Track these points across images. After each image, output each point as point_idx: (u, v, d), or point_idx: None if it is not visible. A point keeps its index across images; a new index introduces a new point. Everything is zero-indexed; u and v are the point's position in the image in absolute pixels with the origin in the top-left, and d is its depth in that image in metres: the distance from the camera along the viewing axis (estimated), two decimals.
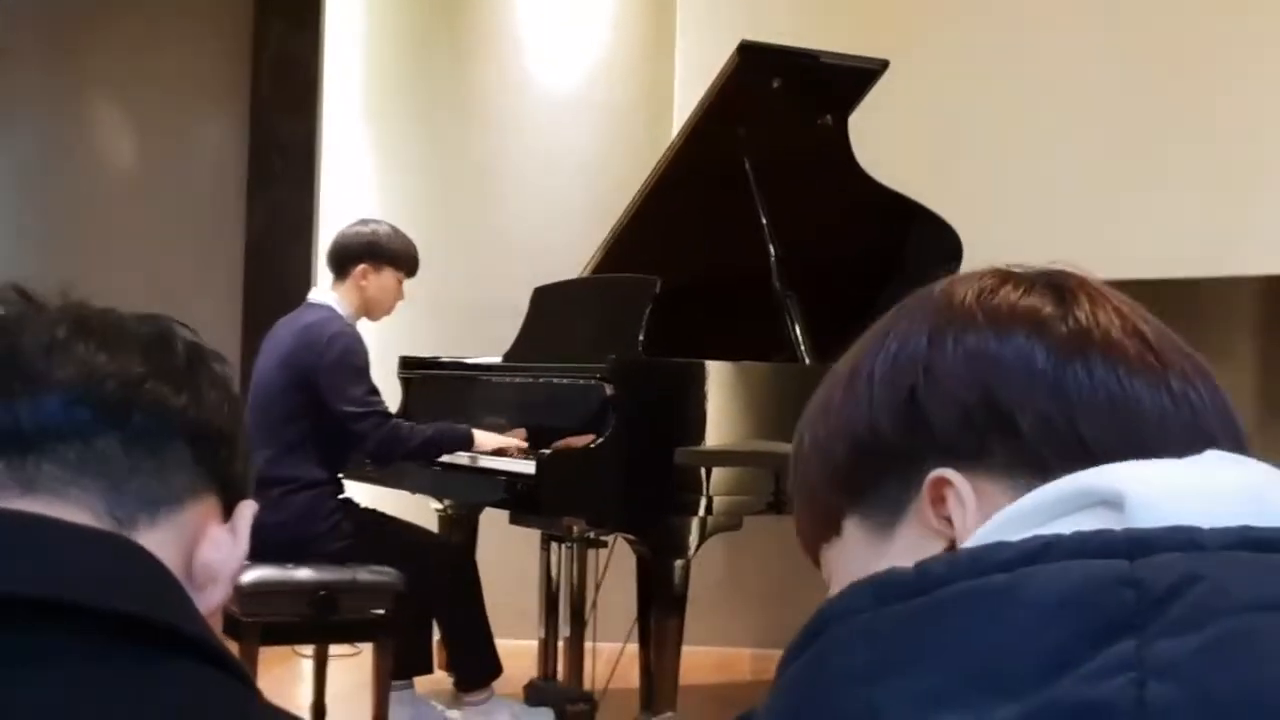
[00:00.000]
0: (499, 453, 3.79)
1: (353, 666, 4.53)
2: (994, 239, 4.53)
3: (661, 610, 3.43)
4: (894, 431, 0.72)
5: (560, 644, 4.12)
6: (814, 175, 3.94)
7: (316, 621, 3.61)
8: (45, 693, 0.70)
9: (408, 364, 4.46)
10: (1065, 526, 0.58)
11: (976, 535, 0.63)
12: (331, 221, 4.24)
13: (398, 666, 3.76)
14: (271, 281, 5.37)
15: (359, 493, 4.03)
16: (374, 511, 3.93)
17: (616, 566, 3.83)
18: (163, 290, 5.00)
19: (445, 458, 3.86)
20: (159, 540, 0.82)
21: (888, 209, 4.04)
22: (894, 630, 0.56)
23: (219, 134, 5.76)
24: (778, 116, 3.88)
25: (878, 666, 0.55)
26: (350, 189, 5.54)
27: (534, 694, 4.12)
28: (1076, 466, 0.64)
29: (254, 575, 3.47)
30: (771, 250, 3.76)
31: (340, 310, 3.88)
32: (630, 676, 3.66)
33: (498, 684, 3.97)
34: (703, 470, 3.38)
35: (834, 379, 0.79)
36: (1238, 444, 0.70)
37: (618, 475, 3.41)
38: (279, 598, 3.55)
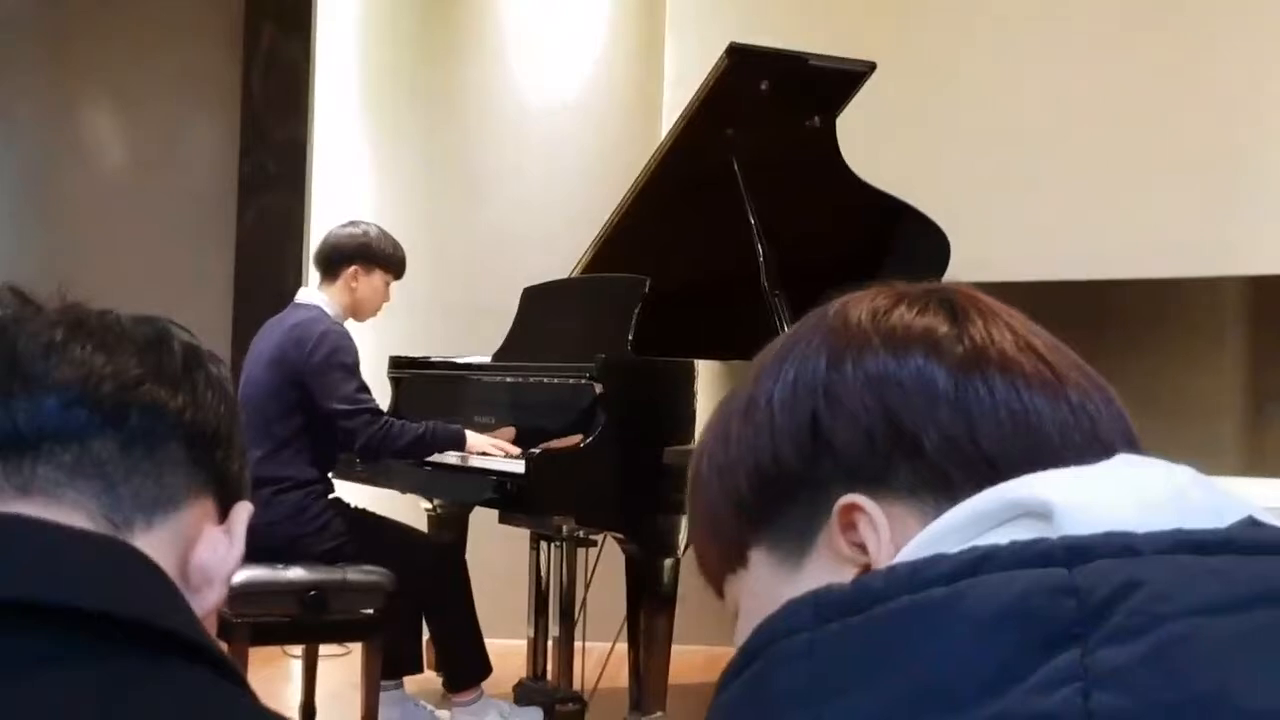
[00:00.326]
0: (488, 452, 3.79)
1: (342, 666, 4.53)
2: (981, 239, 4.55)
3: (651, 609, 3.43)
4: (797, 458, 0.71)
5: (550, 643, 4.13)
6: (802, 176, 3.96)
7: (306, 621, 3.61)
8: (41, 696, 0.70)
9: (398, 364, 4.46)
10: (994, 540, 0.58)
11: (906, 551, 0.62)
12: (323, 223, 4.25)
13: (387, 666, 3.76)
14: (263, 283, 5.37)
15: (349, 492, 4.04)
16: (364, 511, 3.94)
17: (606, 566, 3.85)
18: (154, 291, 4.98)
19: (435, 457, 3.87)
20: (155, 543, 0.82)
21: (875, 209, 4.06)
22: (835, 649, 0.55)
23: (211, 136, 5.76)
24: (766, 118, 3.89)
25: (820, 687, 0.55)
26: (342, 191, 5.54)
27: (523, 694, 4.13)
28: (983, 484, 0.63)
29: (244, 575, 3.46)
30: (760, 250, 3.77)
31: (329, 310, 3.88)
32: (620, 676, 3.67)
33: (487, 684, 3.97)
34: None
35: (729, 408, 0.77)
36: (1136, 452, 0.70)
37: (607, 474, 3.42)
38: (269, 598, 3.55)
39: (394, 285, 4.04)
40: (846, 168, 4.01)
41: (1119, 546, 0.55)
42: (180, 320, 0.91)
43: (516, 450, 3.77)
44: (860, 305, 0.75)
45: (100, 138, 5.79)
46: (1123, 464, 0.63)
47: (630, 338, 3.68)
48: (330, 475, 3.91)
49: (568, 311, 4.10)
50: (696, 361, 3.50)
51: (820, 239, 3.96)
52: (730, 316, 3.80)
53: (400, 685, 4.01)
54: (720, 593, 0.79)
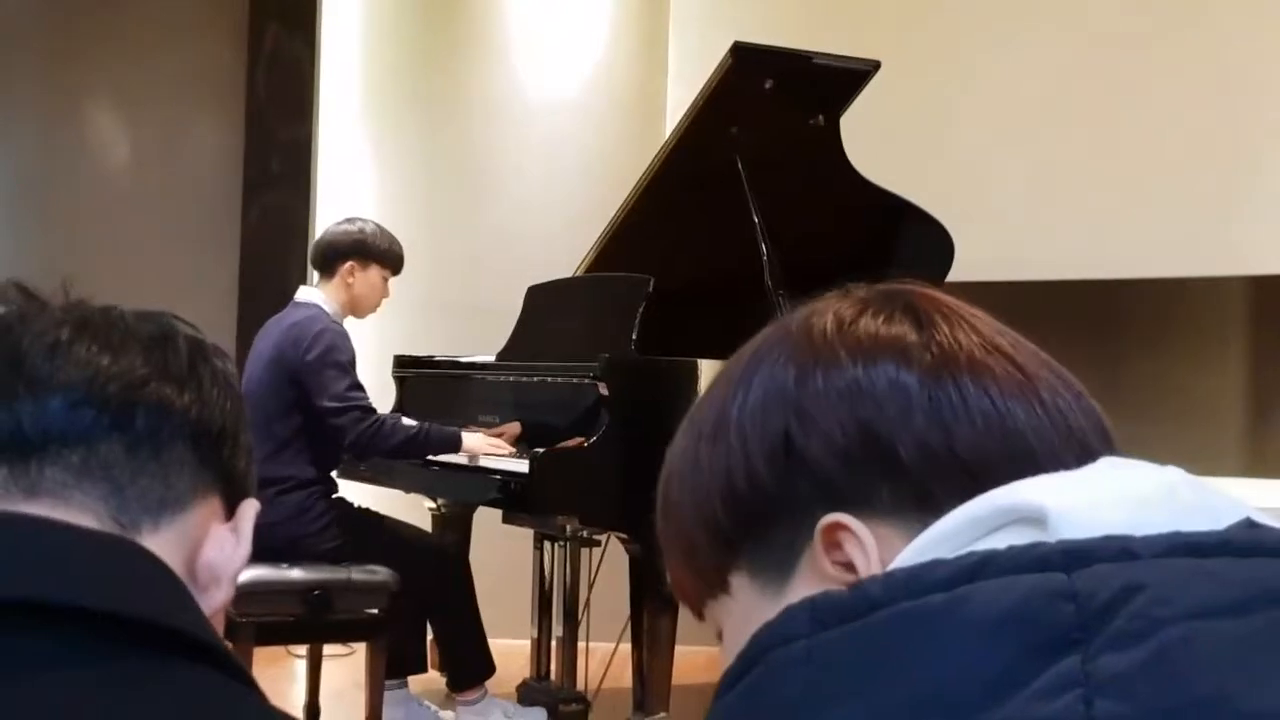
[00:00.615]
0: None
1: (346, 666, 4.54)
2: (985, 237, 4.55)
3: (654, 610, 3.43)
4: (772, 478, 0.70)
5: (553, 643, 4.13)
6: (806, 175, 3.96)
7: (310, 621, 3.61)
8: (44, 696, 0.69)
9: (402, 363, 4.47)
10: (989, 545, 0.57)
11: (900, 558, 0.62)
12: (327, 222, 4.24)
13: (391, 666, 3.76)
14: (267, 283, 5.37)
15: (353, 492, 4.04)
16: (367, 511, 3.94)
17: (610, 566, 3.85)
18: (159, 291, 4.97)
19: (440, 456, 3.87)
20: (162, 544, 0.82)
21: (880, 208, 4.06)
22: (833, 657, 0.55)
23: (216, 136, 5.77)
24: (770, 117, 3.89)
25: (818, 695, 0.54)
26: (346, 190, 5.54)
27: (527, 693, 4.13)
28: (964, 496, 0.62)
29: (248, 575, 3.43)
30: (764, 249, 3.77)
31: (327, 308, 3.88)
32: (623, 676, 3.67)
33: (491, 683, 3.97)
34: None
35: (694, 433, 0.75)
36: (1110, 447, 0.70)
37: (611, 474, 3.42)
38: (273, 597, 3.55)
39: (397, 284, 4.04)
40: (850, 166, 4.01)
41: (1117, 550, 0.55)
42: (185, 319, 0.91)
43: (510, 449, 3.77)
44: (824, 316, 0.74)
45: (104, 137, 5.79)
46: (1110, 466, 0.63)
47: (634, 337, 3.68)
48: (334, 475, 3.91)
49: (571, 311, 4.10)
50: (700, 361, 3.50)
51: (824, 238, 3.96)
52: (734, 316, 3.78)
53: (404, 685, 4.01)
54: (700, 615, 0.77)
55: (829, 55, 3.92)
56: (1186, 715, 0.49)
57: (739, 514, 0.71)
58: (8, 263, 5.42)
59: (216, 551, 0.86)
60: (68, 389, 0.81)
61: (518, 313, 4.33)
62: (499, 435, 3.84)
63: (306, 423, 3.76)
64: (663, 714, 3.48)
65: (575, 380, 3.66)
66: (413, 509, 4.33)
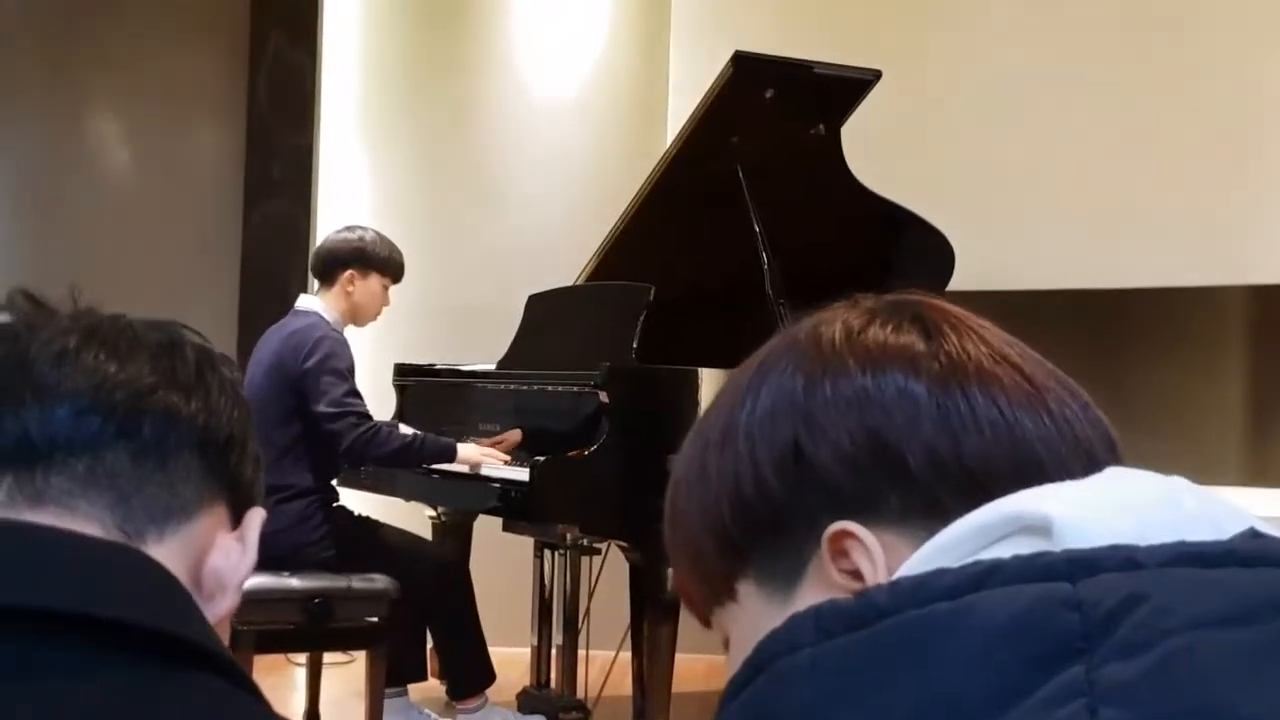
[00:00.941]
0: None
1: (346, 674, 4.53)
2: (986, 247, 4.56)
3: (654, 618, 3.43)
4: (780, 486, 0.70)
5: (553, 651, 4.13)
6: (807, 184, 3.96)
7: (311, 629, 3.61)
8: (48, 704, 0.69)
9: (402, 371, 4.47)
10: (995, 554, 0.57)
11: (906, 567, 0.62)
12: (328, 230, 4.25)
13: (391, 674, 3.76)
14: (268, 291, 5.37)
15: (353, 500, 4.04)
16: (367, 519, 3.94)
17: (610, 574, 3.85)
18: (160, 298, 4.98)
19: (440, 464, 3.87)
20: (168, 551, 0.82)
21: (881, 217, 4.06)
22: (839, 665, 0.55)
23: (217, 142, 5.77)
24: (771, 126, 3.89)
25: (824, 704, 0.54)
26: (347, 198, 5.55)
27: (527, 702, 4.13)
28: (972, 505, 0.63)
29: (248, 583, 3.43)
30: (764, 258, 3.78)
31: (327, 316, 3.88)
32: (623, 684, 3.67)
33: (491, 691, 3.97)
34: None
35: (701, 441, 0.75)
36: (1116, 457, 0.70)
37: (611, 482, 3.42)
38: (273, 605, 3.55)
39: (397, 291, 4.04)
40: (851, 176, 4.02)
41: (1122, 560, 0.55)
42: (192, 328, 0.91)
43: (506, 457, 3.77)
44: (832, 325, 0.74)
45: (106, 144, 5.80)
46: (1115, 476, 0.63)
47: (635, 345, 3.68)
48: (334, 483, 3.91)
49: (572, 319, 4.10)
50: (701, 370, 3.50)
51: (825, 247, 3.97)
52: (735, 324, 3.81)
53: (404, 693, 4.01)
54: (707, 623, 0.77)
55: (830, 65, 3.93)
56: None
57: (747, 521, 0.72)
58: (9, 270, 5.42)
59: (222, 560, 0.86)
60: (74, 397, 0.81)
61: (518, 321, 4.33)
62: (497, 444, 3.84)
63: (306, 431, 3.76)
64: None
65: (576, 389, 3.67)
66: (413, 517, 4.33)
